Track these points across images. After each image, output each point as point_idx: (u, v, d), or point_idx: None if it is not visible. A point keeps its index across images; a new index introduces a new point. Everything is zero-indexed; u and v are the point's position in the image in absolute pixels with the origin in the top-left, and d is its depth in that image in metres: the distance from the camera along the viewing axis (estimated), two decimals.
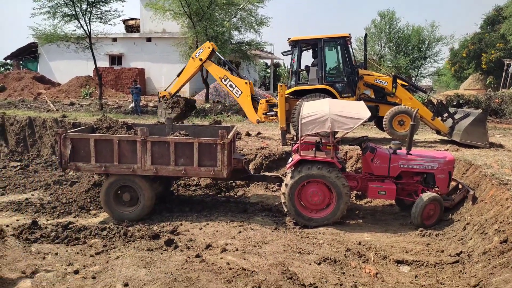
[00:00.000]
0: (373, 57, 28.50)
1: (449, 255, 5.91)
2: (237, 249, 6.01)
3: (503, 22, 29.14)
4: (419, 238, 6.74)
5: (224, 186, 9.90)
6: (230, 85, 12.25)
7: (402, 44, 28.91)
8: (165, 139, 7.46)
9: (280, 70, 42.58)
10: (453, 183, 7.95)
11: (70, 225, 7.05)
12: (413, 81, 26.94)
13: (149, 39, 31.20)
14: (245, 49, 23.79)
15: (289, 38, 11.93)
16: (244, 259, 5.65)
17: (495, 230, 5.73)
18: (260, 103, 12.13)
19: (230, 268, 5.22)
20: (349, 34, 11.52)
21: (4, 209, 8.32)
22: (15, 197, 9.27)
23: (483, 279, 4.98)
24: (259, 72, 41.44)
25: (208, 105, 20.74)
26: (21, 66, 36.13)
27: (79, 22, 19.16)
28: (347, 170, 9.22)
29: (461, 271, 5.46)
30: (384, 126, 11.35)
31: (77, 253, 5.93)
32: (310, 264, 5.55)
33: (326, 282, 5.07)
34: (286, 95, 11.62)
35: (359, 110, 7.09)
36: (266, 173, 9.67)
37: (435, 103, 12.30)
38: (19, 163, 12.85)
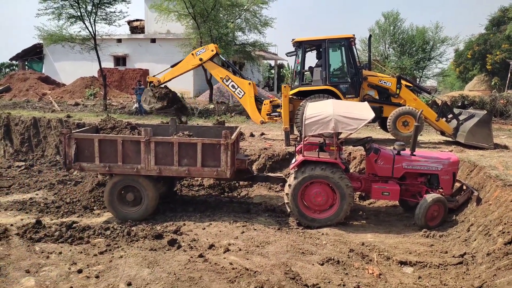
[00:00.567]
0: (377, 58, 28.40)
1: (453, 256, 5.89)
2: (240, 249, 6.01)
3: (509, 23, 29.04)
4: (423, 239, 6.71)
5: (228, 187, 9.91)
6: (232, 86, 12.24)
7: (406, 45, 28.79)
8: (168, 139, 7.48)
9: (284, 71, 42.56)
10: (457, 184, 7.91)
11: (74, 225, 7.08)
12: (418, 82, 26.89)
13: (153, 40, 31.32)
14: (249, 50, 23.81)
15: (293, 39, 11.94)
16: (247, 259, 5.65)
17: (500, 231, 5.69)
18: (264, 104, 12.14)
19: (233, 268, 5.23)
20: (353, 35, 11.50)
21: (9, 208, 8.37)
22: (20, 196, 9.32)
23: (487, 280, 4.95)
24: (263, 73, 41.45)
25: (211, 106, 20.76)
26: (26, 67, 36.34)
27: (84, 23, 19.23)
28: (351, 170, 9.20)
29: (465, 272, 5.43)
30: (388, 127, 11.31)
31: (81, 252, 5.96)
32: (313, 264, 5.55)
33: (329, 282, 5.07)
34: (290, 96, 11.61)
35: (363, 111, 7.08)
36: (270, 174, 9.66)
37: (439, 104, 12.23)
38: (23, 163, 12.95)
